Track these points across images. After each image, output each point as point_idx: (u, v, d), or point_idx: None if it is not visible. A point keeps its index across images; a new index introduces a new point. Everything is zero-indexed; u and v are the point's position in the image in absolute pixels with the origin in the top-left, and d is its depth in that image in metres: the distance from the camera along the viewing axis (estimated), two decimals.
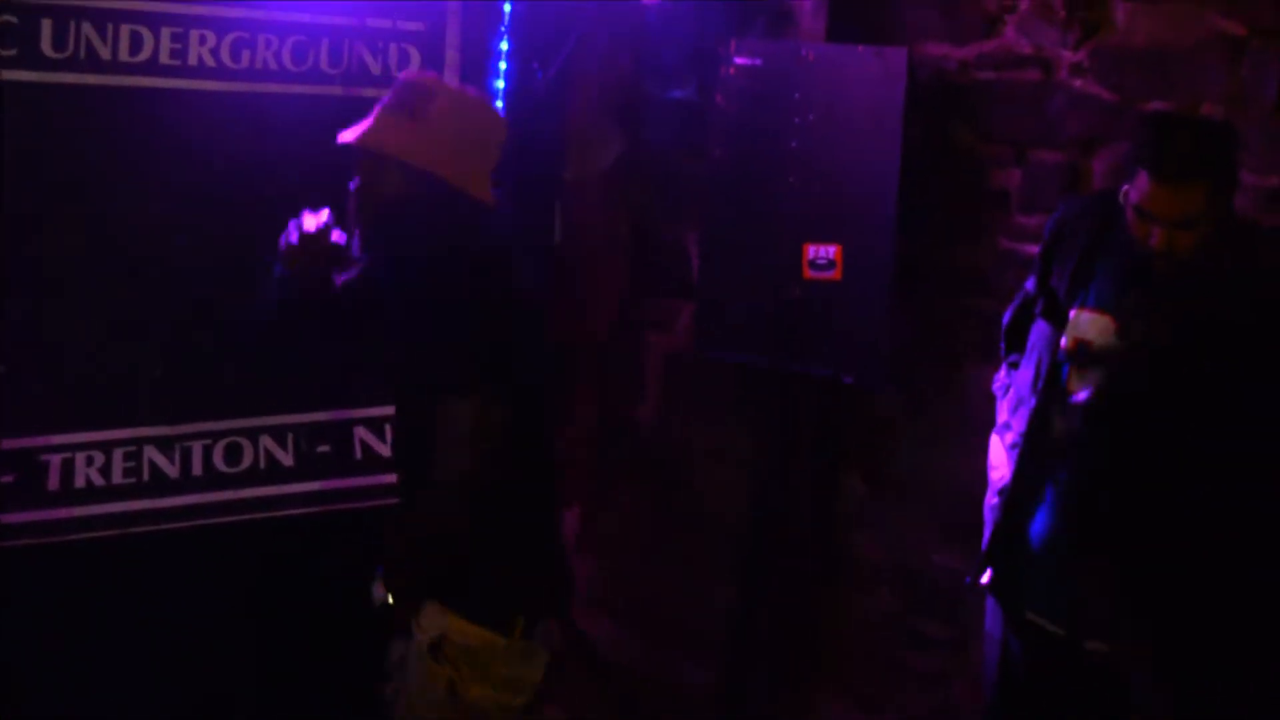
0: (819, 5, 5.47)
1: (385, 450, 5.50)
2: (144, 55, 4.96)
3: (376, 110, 3.99)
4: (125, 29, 4.92)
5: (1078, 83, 5.03)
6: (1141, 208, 3.82)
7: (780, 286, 5.25)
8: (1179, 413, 3.86)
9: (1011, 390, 4.35)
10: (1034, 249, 4.49)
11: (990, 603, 4.39)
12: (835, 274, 5.15)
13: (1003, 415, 4.40)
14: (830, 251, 5.15)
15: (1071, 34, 5.05)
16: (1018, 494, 4.18)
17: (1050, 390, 4.11)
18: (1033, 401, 4.16)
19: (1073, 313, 4.07)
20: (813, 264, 5.18)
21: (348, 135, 3.98)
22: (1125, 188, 3.90)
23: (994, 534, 4.26)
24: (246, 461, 5.29)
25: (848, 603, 5.74)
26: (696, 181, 5.70)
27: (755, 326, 5.36)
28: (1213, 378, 3.82)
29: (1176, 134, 3.88)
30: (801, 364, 5.30)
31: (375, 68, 5.39)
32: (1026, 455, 4.16)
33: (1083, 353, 4.02)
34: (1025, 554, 4.17)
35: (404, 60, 5.45)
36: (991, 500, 4.31)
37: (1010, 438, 4.27)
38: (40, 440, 4.97)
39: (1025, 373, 4.26)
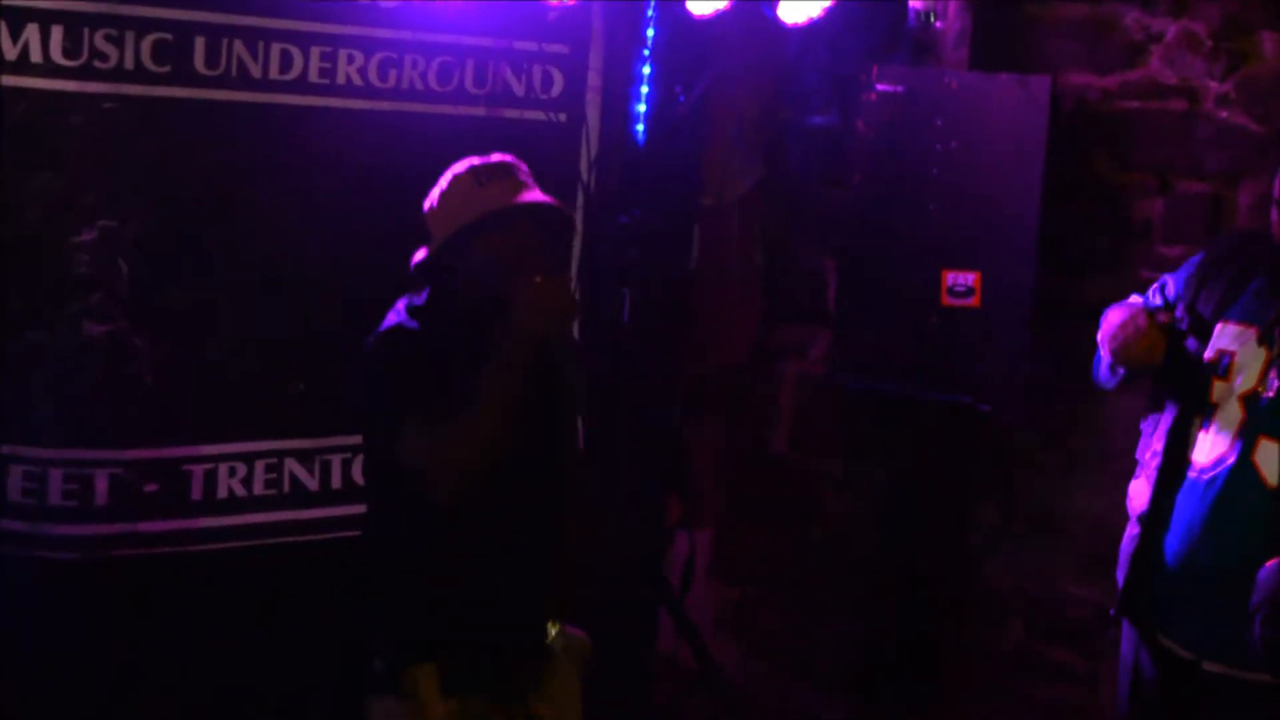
0: (962, 33, 5.45)
1: None
2: (294, 74, 5.03)
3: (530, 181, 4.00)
4: (276, 47, 4.99)
5: (1224, 113, 4.99)
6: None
7: (918, 314, 5.24)
8: None
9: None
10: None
11: (1126, 628, 4.33)
12: (974, 301, 5.12)
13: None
14: (969, 278, 5.13)
15: (1218, 64, 5.01)
16: (1156, 513, 4.12)
17: (1191, 404, 4.06)
18: (1172, 418, 4.10)
19: (1217, 328, 4.03)
20: (951, 291, 5.16)
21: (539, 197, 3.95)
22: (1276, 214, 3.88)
23: (1132, 555, 4.20)
24: None
25: (978, 634, 5.69)
26: (835, 208, 5.71)
27: (892, 354, 5.35)
28: None
29: None
30: (938, 392, 5.27)
31: (519, 89, 5.43)
32: (1167, 471, 4.11)
33: (1223, 363, 3.98)
34: (1161, 573, 4.11)
35: (547, 82, 5.49)
36: (1132, 530, 4.25)
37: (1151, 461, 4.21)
38: (184, 450, 5.04)
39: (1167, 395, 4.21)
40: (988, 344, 5.11)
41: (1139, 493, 4.24)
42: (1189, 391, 4.08)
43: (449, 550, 3.82)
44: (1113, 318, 4.21)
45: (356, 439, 5.22)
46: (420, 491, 3.68)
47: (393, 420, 3.71)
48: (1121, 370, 4.22)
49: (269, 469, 5.16)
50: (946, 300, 5.17)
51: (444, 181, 3.96)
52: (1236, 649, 3.88)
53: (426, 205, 4.00)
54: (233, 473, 5.11)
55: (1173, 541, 4.06)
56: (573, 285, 3.92)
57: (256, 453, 5.14)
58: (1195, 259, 4.28)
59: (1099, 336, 4.25)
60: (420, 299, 3.93)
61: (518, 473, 3.80)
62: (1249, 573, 3.82)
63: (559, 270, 3.85)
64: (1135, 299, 4.33)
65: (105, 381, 4.85)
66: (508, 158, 4.00)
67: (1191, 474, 4.03)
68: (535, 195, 3.89)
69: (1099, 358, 4.29)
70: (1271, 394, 3.89)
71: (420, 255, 3.95)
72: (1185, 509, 4.04)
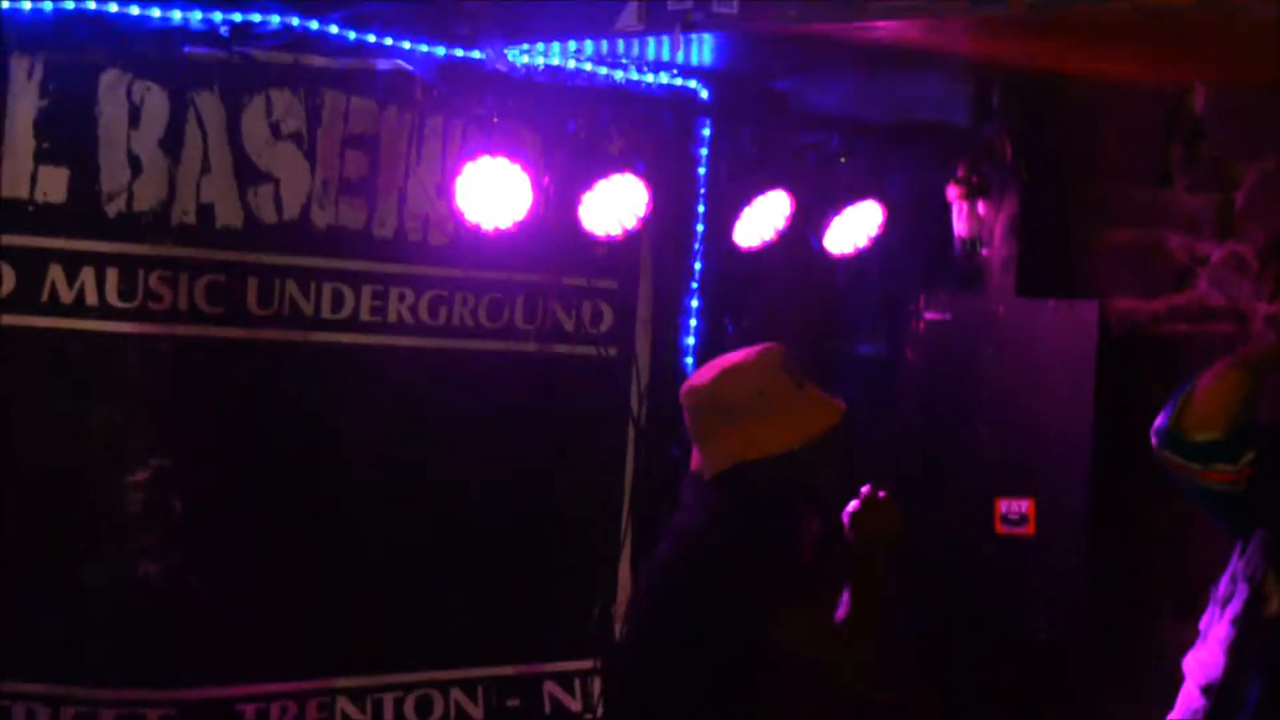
0: (1008, 260, 5.49)
1: (575, 704, 5.47)
2: (345, 313, 5.08)
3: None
4: (328, 287, 5.05)
5: (1273, 334, 4.97)
6: None
7: (972, 543, 5.18)
8: None
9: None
10: None
11: None
12: (1028, 529, 5.08)
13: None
14: (1023, 506, 5.10)
15: (1265, 285, 5.01)
16: (1228, 682, 3.98)
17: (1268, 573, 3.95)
18: (1246, 589, 3.98)
19: None
20: (1005, 519, 5.12)
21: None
22: None
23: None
24: (437, 714, 5.28)
25: None
26: (887, 437, 5.68)
27: (947, 584, 5.28)
28: None
29: None
30: (995, 621, 5.20)
31: (569, 324, 5.47)
32: (1240, 641, 3.97)
33: None
34: None
35: (597, 317, 5.52)
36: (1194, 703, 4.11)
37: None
38: (236, 690, 5.01)
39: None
40: (1044, 572, 5.05)
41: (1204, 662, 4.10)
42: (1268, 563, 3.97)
43: None
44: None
45: (409, 677, 5.22)
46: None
47: (753, 609, 3.57)
48: None
49: (320, 708, 5.12)
50: (1001, 529, 5.13)
51: (754, 378, 3.73)
52: None
53: (700, 396, 3.78)
54: (284, 711, 5.07)
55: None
56: None
57: (307, 691, 5.10)
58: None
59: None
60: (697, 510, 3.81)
61: None
62: None
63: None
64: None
65: (159, 620, 4.84)
66: (780, 348, 3.85)
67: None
68: (835, 400, 3.84)
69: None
70: None
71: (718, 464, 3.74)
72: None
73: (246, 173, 4.86)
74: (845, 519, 3.75)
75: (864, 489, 3.76)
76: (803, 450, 3.69)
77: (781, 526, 3.75)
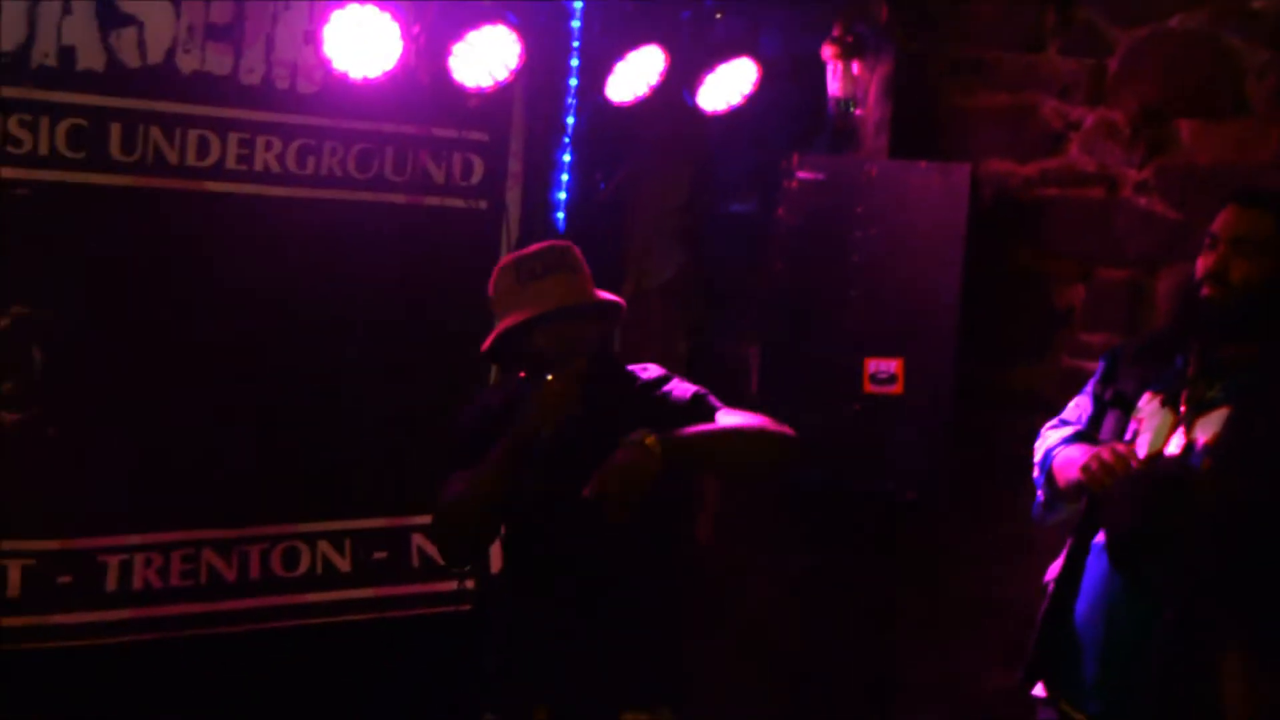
0: (882, 121, 5.48)
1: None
2: (211, 160, 4.99)
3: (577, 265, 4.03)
4: (193, 134, 4.95)
5: (1142, 201, 5.03)
6: (1211, 232, 3.83)
7: (841, 401, 5.21)
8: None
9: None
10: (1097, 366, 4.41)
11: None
12: (896, 388, 5.12)
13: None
14: (892, 366, 5.13)
15: (1136, 152, 5.06)
16: (1067, 578, 4.08)
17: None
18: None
19: (1140, 402, 4.01)
20: (874, 378, 5.15)
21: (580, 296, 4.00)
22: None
23: (1041, 619, 4.15)
24: (304, 566, 5.26)
25: None
26: (757, 296, 5.69)
27: (815, 442, 5.30)
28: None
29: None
30: (861, 481, 5.25)
31: (439, 176, 5.41)
32: (1079, 538, 4.07)
33: (1132, 428, 3.98)
34: (1068, 639, 4.07)
35: (468, 170, 5.47)
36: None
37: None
38: (100, 541, 4.95)
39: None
40: (911, 431, 5.09)
41: (1055, 564, 4.23)
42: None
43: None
44: (1068, 456, 4.16)
45: (275, 529, 5.19)
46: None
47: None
48: (1060, 507, 4.21)
49: (185, 559, 5.08)
50: (869, 388, 5.16)
51: (496, 274, 4.02)
52: (1130, 711, 3.87)
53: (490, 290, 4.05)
54: (149, 563, 5.02)
55: (1080, 606, 4.03)
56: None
57: (172, 543, 5.06)
58: (1118, 346, 4.28)
59: (1046, 473, 4.20)
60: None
61: (553, 551, 3.89)
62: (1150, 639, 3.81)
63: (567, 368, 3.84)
64: (1055, 426, 4.29)
65: (18, 471, 4.77)
66: (558, 244, 4.03)
67: (1099, 539, 4.01)
68: (575, 294, 3.95)
69: (1038, 499, 4.25)
70: (1177, 455, 3.87)
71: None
72: (1093, 574, 4.01)
73: (109, 15, 4.74)
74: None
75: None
76: (505, 334, 3.92)
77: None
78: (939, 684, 5.52)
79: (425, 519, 5.37)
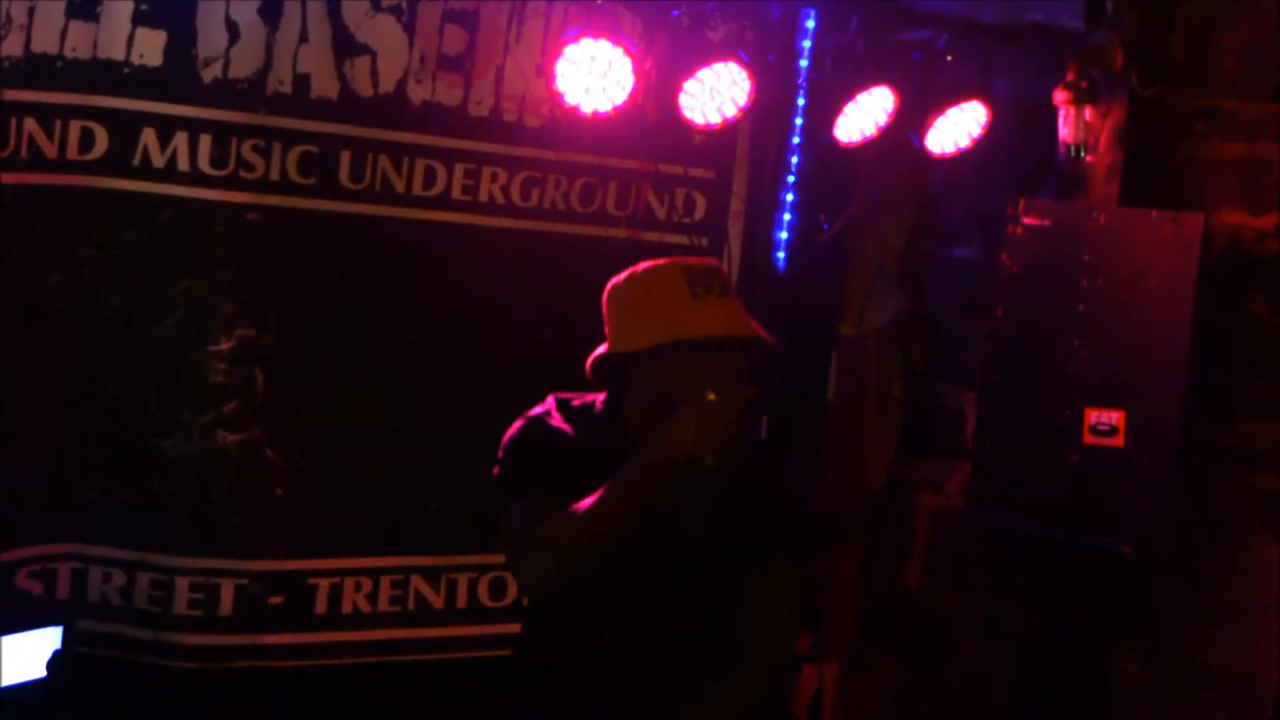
0: (1112, 168, 5.37)
1: None
2: (437, 190, 5.04)
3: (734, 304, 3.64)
4: (420, 163, 5.01)
5: None
6: None
7: (1060, 451, 5.11)
8: None
9: None
10: None
11: None
12: (1118, 440, 5.00)
13: None
14: (1113, 418, 5.01)
15: None
16: None
17: None
18: None
19: None
20: (1094, 429, 5.04)
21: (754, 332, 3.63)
22: None
23: None
24: (509, 597, 5.29)
25: None
26: (977, 341, 5.62)
27: (1031, 491, 5.22)
28: None
29: None
30: (1078, 532, 5.14)
31: (661, 212, 5.42)
32: None
33: None
34: None
35: (690, 206, 5.47)
36: None
37: None
38: (310, 564, 5.03)
39: None
40: (1131, 484, 4.97)
41: None
42: None
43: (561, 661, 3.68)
44: None
45: (484, 558, 5.21)
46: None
47: (503, 499, 3.59)
48: None
49: (394, 585, 5.14)
50: (1089, 439, 5.06)
51: (642, 276, 3.65)
52: None
53: (608, 290, 3.73)
54: (358, 588, 5.09)
55: None
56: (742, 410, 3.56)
57: (382, 568, 5.12)
58: None
59: None
60: (577, 398, 3.76)
61: (629, 598, 3.58)
62: None
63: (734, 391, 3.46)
64: None
65: (236, 491, 4.86)
66: (714, 262, 3.72)
67: None
68: (741, 325, 3.59)
69: None
70: None
71: (601, 351, 3.68)
72: None
73: (344, 44, 4.83)
74: None
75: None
76: (665, 351, 3.51)
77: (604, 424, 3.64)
78: None
79: None
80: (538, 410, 3.73)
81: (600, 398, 3.74)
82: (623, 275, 3.68)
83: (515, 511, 3.53)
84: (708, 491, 3.54)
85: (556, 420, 3.67)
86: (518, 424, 3.71)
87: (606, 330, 3.68)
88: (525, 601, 3.81)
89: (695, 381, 3.43)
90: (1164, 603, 5.37)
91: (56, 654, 4.79)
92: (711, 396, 3.37)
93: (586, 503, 3.38)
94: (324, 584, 5.06)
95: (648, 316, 3.56)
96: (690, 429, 3.35)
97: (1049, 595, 5.52)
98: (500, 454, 3.69)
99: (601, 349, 3.66)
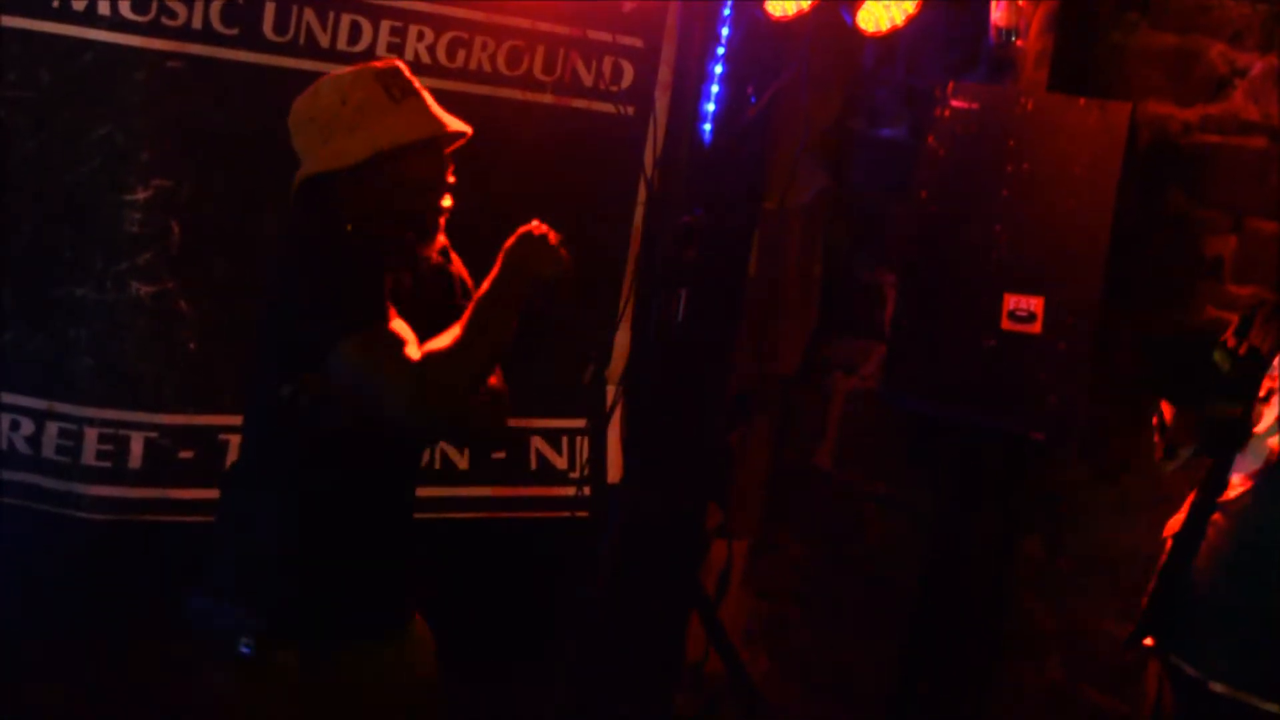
0: (1042, 54, 5.35)
1: (561, 461, 5.46)
2: (362, 46, 4.97)
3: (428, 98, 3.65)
4: (346, 18, 4.94)
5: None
6: None
7: (976, 336, 5.13)
8: None
9: None
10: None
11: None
12: (1035, 327, 5.01)
13: None
14: (1032, 304, 5.02)
15: None
16: (1187, 535, 4.07)
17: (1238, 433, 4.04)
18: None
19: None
20: (1012, 315, 5.05)
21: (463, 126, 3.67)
22: None
23: (1159, 574, 4.15)
24: (422, 461, 5.27)
25: (1015, 669, 5.58)
26: (899, 223, 5.62)
27: (946, 375, 5.24)
28: None
29: None
30: (991, 418, 5.17)
31: (588, 79, 5.38)
32: (1202, 497, 4.05)
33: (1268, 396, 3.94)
34: (1184, 594, 4.06)
35: (617, 74, 5.43)
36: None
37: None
38: (219, 418, 4.99)
39: None
40: (1046, 371, 4.99)
41: (1176, 520, 4.20)
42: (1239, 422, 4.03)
43: (335, 509, 3.58)
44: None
45: None
46: (312, 427, 3.46)
47: (320, 335, 3.35)
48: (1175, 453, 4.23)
49: None
50: (1007, 324, 5.06)
51: (331, 87, 3.59)
52: (1248, 674, 3.90)
53: (294, 109, 3.65)
54: None
55: (1200, 565, 4.00)
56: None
57: None
58: (1259, 302, 4.21)
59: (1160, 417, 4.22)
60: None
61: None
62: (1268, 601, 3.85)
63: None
64: None
65: (148, 343, 4.81)
66: (395, 61, 3.66)
67: (1223, 498, 3.97)
68: (447, 119, 3.61)
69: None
70: None
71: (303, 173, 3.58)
72: (1215, 534, 4.02)
73: None
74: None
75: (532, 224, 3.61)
76: (383, 160, 3.49)
77: (359, 254, 3.48)
78: (1056, 631, 5.45)
79: (546, 422, 5.45)
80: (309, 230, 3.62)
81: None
82: (306, 91, 3.63)
83: (376, 342, 3.33)
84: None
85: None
86: (330, 251, 3.52)
87: (298, 149, 3.63)
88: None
89: (421, 187, 3.53)
90: (1072, 491, 5.42)
91: None
92: (536, 222, 3.60)
93: (457, 333, 3.39)
94: (234, 440, 5.02)
95: (352, 128, 3.51)
96: (529, 255, 3.53)
97: (960, 480, 5.55)
98: (320, 279, 3.46)
99: (301, 172, 3.59)
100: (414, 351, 3.33)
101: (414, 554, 3.79)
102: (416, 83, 3.61)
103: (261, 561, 3.57)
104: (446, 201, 3.61)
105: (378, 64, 3.60)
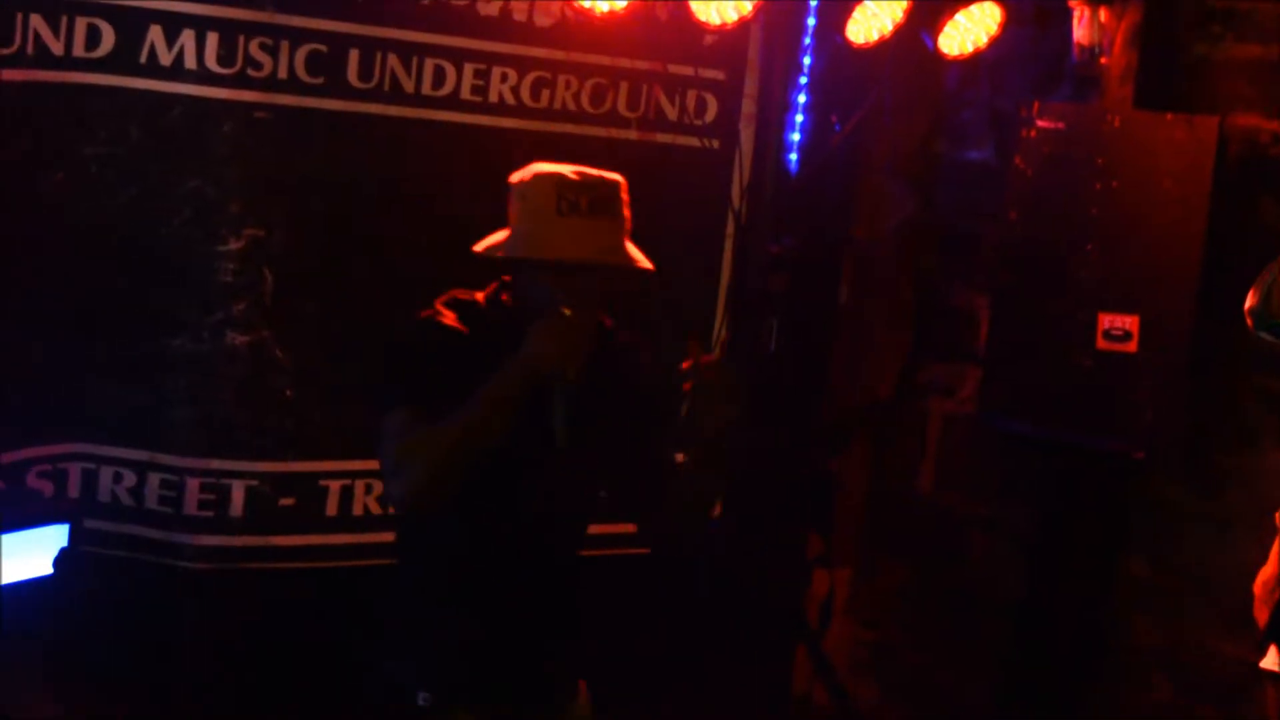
0: (1127, 70, 5.32)
1: None
2: (446, 90, 5.01)
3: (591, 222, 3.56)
4: (430, 63, 4.97)
5: None
6: None
7: (1072, 356, 5.10)
8: None
9: None
10: None
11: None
12: (1130, 345, 4.98)
13: None
14: (1127, 322, 4.99)
15: None
16: None
17: None
18: None
19: None
20: (1107, 334, 5.03)
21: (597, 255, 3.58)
22: None
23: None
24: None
25: (1123, 689, 5.54)
26: (989, 245, 5.59)
27: (1042, 396, 5.22)
28: None
29: None
30: (1089, 437, 5.13)
31: (672, 113, 5.38)
32: None
33: None
34: None
35: (701, 108, 5.43)
36: None
37: None
38: (319, 465, 5.03)
39: None
40: (1143, 389, 4.96)
41: None
42: None
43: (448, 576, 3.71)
44: None
45: None
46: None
47: (382, 408, 3.52)
48: None
49: None
50: (1102, 344, 5.04)
51: (529, 178, 3.61)
52: None
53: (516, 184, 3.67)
54: (369, 490, 5.09)
55: None
56: (597, 325, 3.64)
57: None
58: None
59: None
60: (480, 292, 3.74)
61: (502, 508, 3.61)
62: None
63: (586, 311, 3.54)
64: None
65: (245, 392, 4.86)
66: (610, 179, 3.61)
67: None
68: (600, 249, 3.55)
69: None
70: None
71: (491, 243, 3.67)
72: None
73: None
74: None
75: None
76: (522, 266, 3.59)
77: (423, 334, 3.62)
78: (1162, 649, 5.40)
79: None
80: (429, 311, 3.69)
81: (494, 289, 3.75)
82: (526, 171, 3.65)
83: (390, 425, 3.47)
84: (571, 400, 3.52)
85: (449, 319, 3.64)
86: (405, 327, 3.68)
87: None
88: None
89: (550, 300, 3.49)
90: (1174, 508, 5.37)
91: (63, 551, 4.81)
92: (566, 312, 3.45)
93: (455, 415, 3.39)
94: (335, 486, 5.06)
95: (517, 225, 3.61)
96: (550, 343, 3.42)
97: (1060, 500, 5.52)
98: (384, 359, 3.69)
99: (494, 239, 3.67)
100: (408, 438, 3.42)
101: (577, 615, 3.84)
102: (606, 200, 3.58)
103: (420, 622, 3.71)
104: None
105: (580, 170, 3.58)
